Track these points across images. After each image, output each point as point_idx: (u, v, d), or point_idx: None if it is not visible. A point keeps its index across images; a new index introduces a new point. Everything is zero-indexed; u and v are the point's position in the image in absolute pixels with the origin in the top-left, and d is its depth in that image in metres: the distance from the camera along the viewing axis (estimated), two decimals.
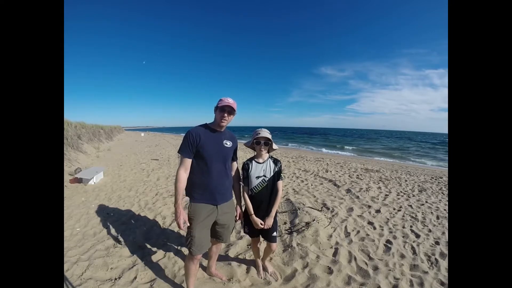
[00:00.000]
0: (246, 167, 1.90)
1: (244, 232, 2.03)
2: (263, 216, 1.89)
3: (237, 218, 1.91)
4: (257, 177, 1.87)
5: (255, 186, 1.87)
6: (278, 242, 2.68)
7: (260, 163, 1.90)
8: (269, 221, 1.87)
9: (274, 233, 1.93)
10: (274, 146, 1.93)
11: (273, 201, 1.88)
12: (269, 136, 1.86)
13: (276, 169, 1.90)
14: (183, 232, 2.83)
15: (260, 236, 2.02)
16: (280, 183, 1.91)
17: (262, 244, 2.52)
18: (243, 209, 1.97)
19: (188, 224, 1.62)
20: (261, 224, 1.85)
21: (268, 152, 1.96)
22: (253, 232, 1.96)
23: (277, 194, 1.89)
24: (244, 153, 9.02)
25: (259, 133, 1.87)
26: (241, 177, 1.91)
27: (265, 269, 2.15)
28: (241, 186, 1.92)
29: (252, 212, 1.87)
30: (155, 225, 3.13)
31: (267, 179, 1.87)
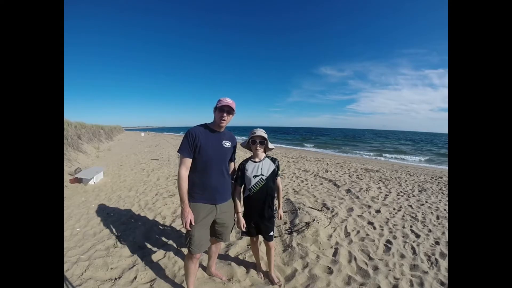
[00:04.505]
0: (241, 167, 1.91)
1: (242, 232, 2.02)
2: (261, 215, 1.91)
3: (235, 218, 1.92)
4: (255, 176, 1.87)
5: (253, 186, 1.87)
6: (278, 242, 2.68)
7: (256, 162, 1.91)
8: (280, 212, 2.05)
9: (271, 233, 1.97)
10: (270, 145, 1.96)
11: (277, 197, 2.03)
12: (265, 135, 1.88)
13: (274, 167, 1.93)
14: (183, 232, 2.83)
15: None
16: (279, 179, 2.00)
17: (262, 245, 2.53)
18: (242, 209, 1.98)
19: (194, 224, 1.62)
20: (244, 226, 1.89)
21: (265, 152, 1.98)
22: (250, 231, 1.97)
23: (279, 189, 2.02)
24: (244, 153, 9.03)
25: (255, 132, 1.89)
26: (235, 177, 1.92)
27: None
28: (233, 184, 1.92)
29: (239, 211, 1.90)
30: (155, 225, 3.13)
31: (264, 177, 1.88)
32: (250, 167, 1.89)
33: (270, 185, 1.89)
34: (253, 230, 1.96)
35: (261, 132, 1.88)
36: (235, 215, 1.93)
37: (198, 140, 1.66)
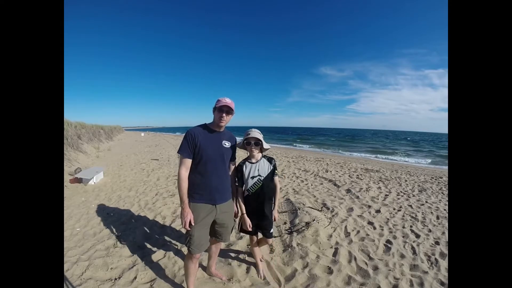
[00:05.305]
0: (239, 168, 1.93)
1: (241, 230, 2.03)
2: (261, 214, 1.93)
3: (234, 218, 1.94)
4: (252, 177, 1.89)
5: (251, 186, 1.89)
6: (278, 242, 2.68)
7: (253, 163, 1.92)
8: (275, 213, 2.01)
9: (271, 230, 2.01)
10: (266, 145, 1.96)
11: (274, 197, 1.98)
12: (259, 136, 1.88)
13: (271, 168, 1.94)
14: (183, 232, 2.83)
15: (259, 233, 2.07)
16: (277, 179, 1.99)
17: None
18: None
19: (194, 224, 1.62)
20: (250, 226, 1.90)
21: (261, 152, 1.99)
22: (250, 230, 1.97)
23: (276, 189, 1.98)
24: (244, 153, 8.98)
25: (249, 134, 1.89)
26: (236, 179, 1.94)
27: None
28: (237, 186, 1.95)
29: (244, 212, 1.91)
30: (155, 225, 3.13)
31: (262, 178, 1.89)
32: (247, 168, 1.91)
33: (268, 185, 1.91)
34: (253, 229, 1.97)
35: (256, 133, 1.88)
36: (239, 216, 1.96)
37: (197, 140, 1.66)
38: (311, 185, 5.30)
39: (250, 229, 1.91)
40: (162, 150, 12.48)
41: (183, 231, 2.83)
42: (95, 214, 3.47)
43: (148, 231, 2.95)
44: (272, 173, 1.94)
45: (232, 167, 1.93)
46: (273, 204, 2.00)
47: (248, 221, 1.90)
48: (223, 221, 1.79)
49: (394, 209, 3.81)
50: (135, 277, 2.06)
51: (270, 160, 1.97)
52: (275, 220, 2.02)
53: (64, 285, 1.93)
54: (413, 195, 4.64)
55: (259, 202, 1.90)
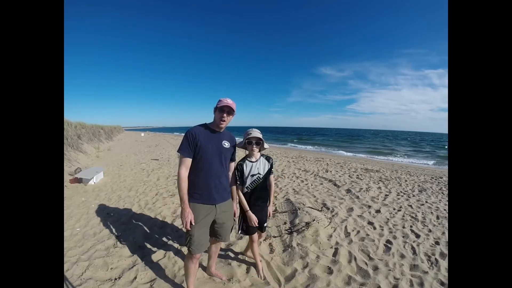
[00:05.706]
0: (239, 168, 1.96)
1: (241, 230, 2.05)
2: (258, 210, 1.99)
3: (234, 217, 1.96)
4: (252, 175, 1.94)
5: (250, 184, 1.95)
6: (278, 242, 2.68)
7: (253, 161, 1.98)
8: (270, 209, 2.11)
9: (265, 224, 2.13)
10: (265, 145, 2.03)
11: (269, 193, 2.08)
12: (260, 136, 1.94)
13: (269, 166, 2.02)
14: (183, 231, 2.83)
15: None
16: (272, 176, 2.08)
17: (261, 245, 2.52)
18: (239, 208, 2.03)
19: (194, 224, 1.62)
20: (256, 221, 1.95)
21: (260, 151, 2.05)
22: (250, 229, 2.00)
23: (271, 186, 2.07)
24: (244, 153, 8.97)
25: (251, 133, 1.94)
26: (236, 178, 1.97)
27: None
28: (237, 185, 1.99)
29: (248, 209, 1.95)
30: (155, 225, 3.13)
31: (261, 176, 1.96)
32: (248, 167, 1.95)
33: (265, 182, 2.00)
34: (254, 228, 2.00)
35: (257, 133, 1.94)
36: (242, 214, 1.99)
37: (198, 139, 1.66)
38: (311, 185, 5.30)
39: (256, 225, 1.96)
40: (162, 150, 12.48)
41: (183, 231, 2.84)
42: (95, 214, 3.47)
43: (148, 231, 2.95)
44: (269, 171, 2.01)
45: (232, 167, 1.94)
46: (268, 200, 2.09)
47: (254, 217, 1.94)
48: (223, 220, 1.79)
49: (394, 209, 3.81)
50: (135, 277, 2.06)
51: (268, 158, 2.05)
52: (269, 215, 2.11)
53: (64, 285, 1.93)
54: (413, 195, 4.64)
55: (257, 198, 1.98)
